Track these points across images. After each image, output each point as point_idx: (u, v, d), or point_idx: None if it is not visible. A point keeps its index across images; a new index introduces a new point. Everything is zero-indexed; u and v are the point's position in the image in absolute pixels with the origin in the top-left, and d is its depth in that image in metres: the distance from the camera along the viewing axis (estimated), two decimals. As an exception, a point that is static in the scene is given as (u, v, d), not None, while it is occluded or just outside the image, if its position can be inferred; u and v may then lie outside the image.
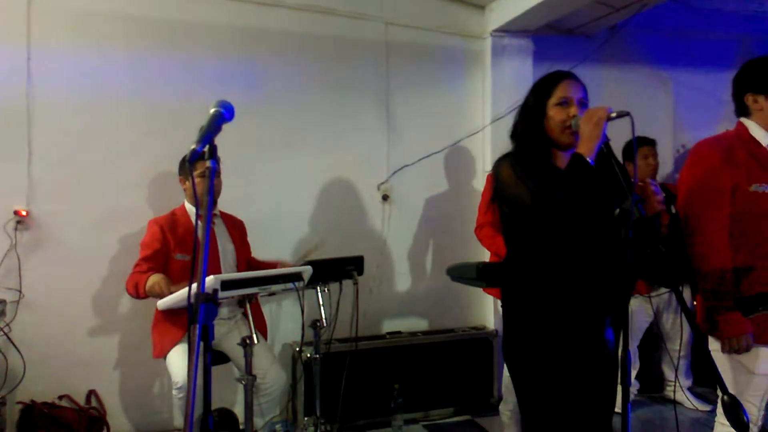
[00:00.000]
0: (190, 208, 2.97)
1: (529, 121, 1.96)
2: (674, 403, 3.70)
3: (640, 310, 3.54)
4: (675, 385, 3.73)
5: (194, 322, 1.31)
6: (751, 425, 2.05)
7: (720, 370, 2.08)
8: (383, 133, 3.83)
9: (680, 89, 4.23)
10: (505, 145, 2.01)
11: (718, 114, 3.91)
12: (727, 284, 1.95)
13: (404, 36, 3.84)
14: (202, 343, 1.35)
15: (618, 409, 1.81)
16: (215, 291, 2.04)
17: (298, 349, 3.31)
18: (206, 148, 1.44)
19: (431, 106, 3.92)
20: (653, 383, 3.87)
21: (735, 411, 1.39)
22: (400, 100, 3.86)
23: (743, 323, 1.94)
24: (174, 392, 2.72)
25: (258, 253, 3.22)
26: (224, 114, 1.48)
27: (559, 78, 1.95)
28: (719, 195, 2.03)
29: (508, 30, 3.83)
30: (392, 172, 3.82)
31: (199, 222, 2.67)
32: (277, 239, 3.56)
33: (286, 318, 3.60)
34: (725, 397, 1.40)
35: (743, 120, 2.13)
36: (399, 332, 3.76)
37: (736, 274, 1.97)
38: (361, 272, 2.86)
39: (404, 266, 3.90)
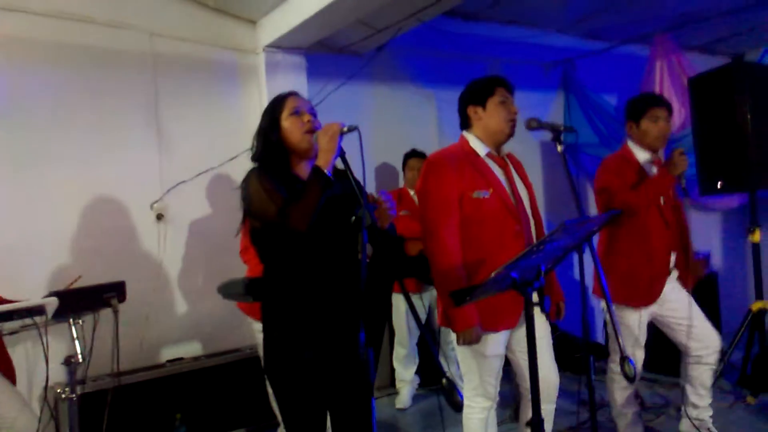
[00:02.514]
0: None
1: (268, 137, 2.03)
2: (439, 391, 4.01)
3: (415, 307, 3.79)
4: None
5: None
6: (491, 402, 2.31)
7: (459, 356, 2.32)
8: (154, 149, 3.63)
9: (443, 105, 4.64)
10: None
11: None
12: (458, 281, 2.16)
13: (173, 48, 3.69)
14: None
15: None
16: None
17: (57, 391, 2.97)
18: None
19: (206, 121, 3.82)
20: (432, 376, 4.17)
21: (450, 393, 1.53)
22: (171, 114, 3.69)
23: (470, 317, 2.16)
24: None
25: (5, 288, 2.82)
26: None
27: (286, 95, 2.08)
28: (449, 203, 2.26)
29: (280, 46, 3.88)
30: (166, 190, 3.64)
31: None
32: (32, 270, 3.18)
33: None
34: (443, 380, 1.55)
35: (464, 133, 2.40)
36: (181, 358, 3.58)
37: (468, 270, 2.21)
38: (122, 299, 2.65)
39: (184, 288, 3.73)
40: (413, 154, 4.07)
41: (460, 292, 1.62)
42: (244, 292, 2.48)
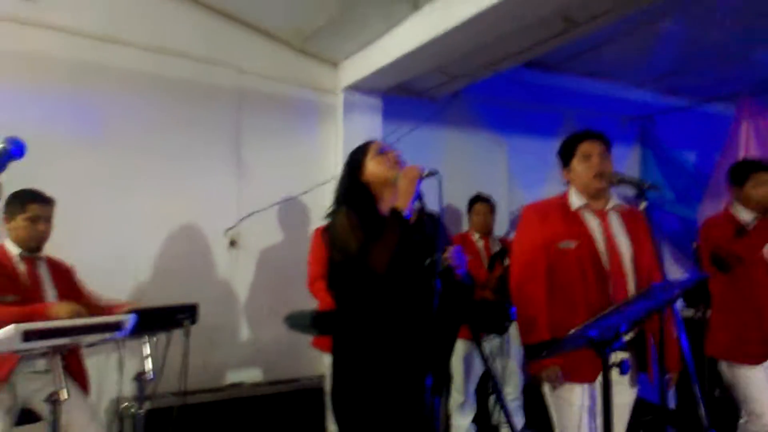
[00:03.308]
0: (12, 249, 2.72)
1: (354, 178, 2.08)
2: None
3: (472, 354, 3.74)
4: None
5: None
6: None
7: (550, 407, 2.28)
8: (233, 179, 3.80)
9: (514, 153, 4.64)
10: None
11: (547, 176, 4.35)
12: (536, 332, 2.15)
13: (258, 84, 3.89)
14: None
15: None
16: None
17: (124, 405, 3.08)
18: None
19: (284, 154, 3.97)
20: (489, 426, 4.06)
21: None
22: (252, 146, 3.87)
23: (549, 361, 2.15)
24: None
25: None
26: (12, 151, 1.40)
27: (367, 142, 2.12)
28: (533, 251, 2.27)
29: (359, 88, 4.02)
30: (241, 218, 3.78)
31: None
32: (114, 287, 3.33)
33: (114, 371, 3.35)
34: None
35: (568, 186, 2.42)
36: (241, 383, 3.65)
37: (551, 320, 2.18)
38: (194, 321, 2.75)
39: (251, 315, 3.83)
40: (478, 199, 4.07)
41: (538, 346, 1.60)
42: (311, 325, 2.52)
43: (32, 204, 2.66)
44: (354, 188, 2.10)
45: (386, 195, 2.04)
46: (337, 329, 2.09)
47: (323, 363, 3.90)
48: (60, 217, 2.76)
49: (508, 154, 4.69)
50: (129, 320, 2.36)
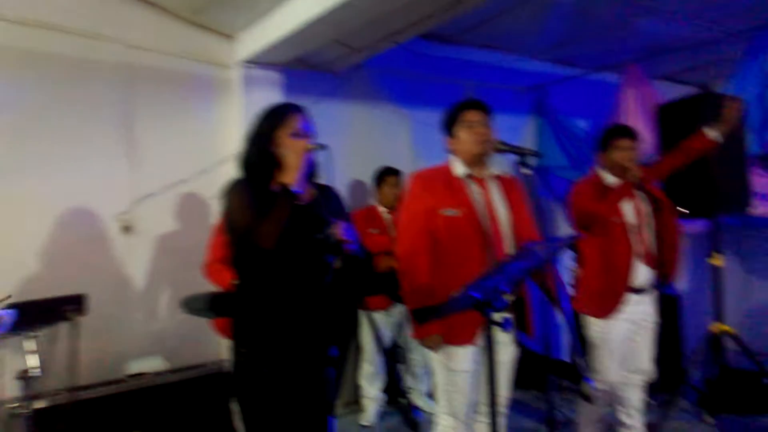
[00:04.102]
0: None
1: (263, 147, 1.99)
2: (405, 408, 4.01)
3: (382, 324, 3.79)
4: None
5: None
6: (457, 421, 2.30)
7: (434, 372, 2.34)
8: (125, 160, 3.59)
9: (417, 125, 4.68)
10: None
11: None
12: (423, 298, 2.18)
13: (148, 59, 3.66)
14: None
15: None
16: None
17: (9, 406, 2.88)
18: None
19: (180, 133, 3.79)
20: (398, 392, 4.15)
21: (407, 412, 1.53)
22: (144, 125, 3.66)
23: (429, 327, 2.19)
24: None
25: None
26: None
27: (290, 110, 2.03)
28: (417, 219, 2.31)
29: (257, 61, 3.88)
30: (134, 202, 3.60)
31: None
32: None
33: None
34: (400, 400, 1.54)
35: (450, 155, 2.47)
36: (142, 373, 3.50)
37: (436, 287, 2.22)
38: (82, 312, 2.60)
39: (149, 302, 3.67)
40: (389, 172, 4.08)
41: (422, 311, 1.63)
42: (207, 308, 2.45)
43: None
44: (259, 159, 2.01)
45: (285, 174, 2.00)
46: (233, 309, 2.04)
47: (225, 346, 3.82)
48: None
49: (411, 126, 4.72)
50: (6, 316, 2.21)
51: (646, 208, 3.03)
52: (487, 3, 3.55)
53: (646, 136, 4.46)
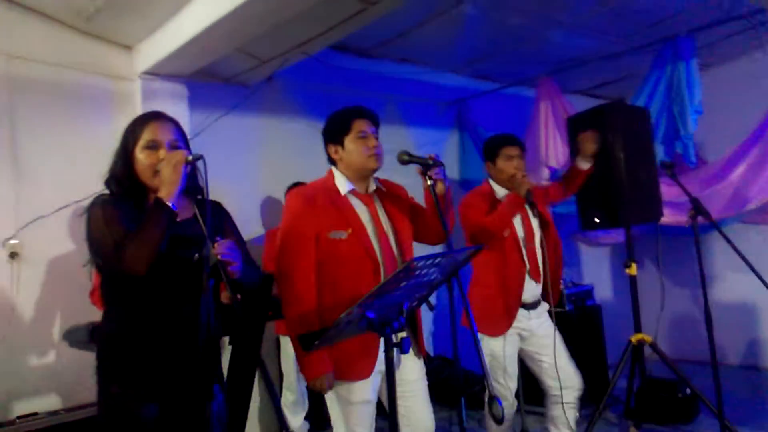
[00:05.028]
0: None
1: (121, 165, 1.84)
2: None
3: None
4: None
5: None
6: None
7: (328, 403, 2.16)
8: (8, 181, 3.29)
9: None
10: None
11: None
12: (309, 326, 2.01)
13: (34, 71, 3.39)
14: None
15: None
16: None
17: None
18: None
19: (73, 150, 3.50)
20: (322, 421, 3.97)
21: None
22: (31, 143, 3.37)
23: (322, 364, 2.02)
24: None
25: None
26: None
27: (146, 120, 1.87)
28: (302, 242, 2.12)
29: (158, 73, 3.66)
30: (22, 226, 3.29)
31: None
32: None
33: None
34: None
35: (332, 168, 2.29)
36: (35, 413, 3.18)
37: (323, 314, 2.06)
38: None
39: (41, 335, 3.35)
40: (297, 186, 3.93)
41: (307, 336, 1.48)
42: (89, 340, 2.22)
43: None
44: (123, 173, 1.84)
45: (156, 184, 1.81)
46: (100, 342, 1.84)
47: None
48: None
49: (328, 141, 4.59)
50: None
51: (533, 221, 2.99)
52: (394, 15, 3.49)
53: (562, 149, 4.52)
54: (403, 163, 2.19)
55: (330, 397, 2.11)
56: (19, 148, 3.33)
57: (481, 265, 2.97)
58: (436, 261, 1.45)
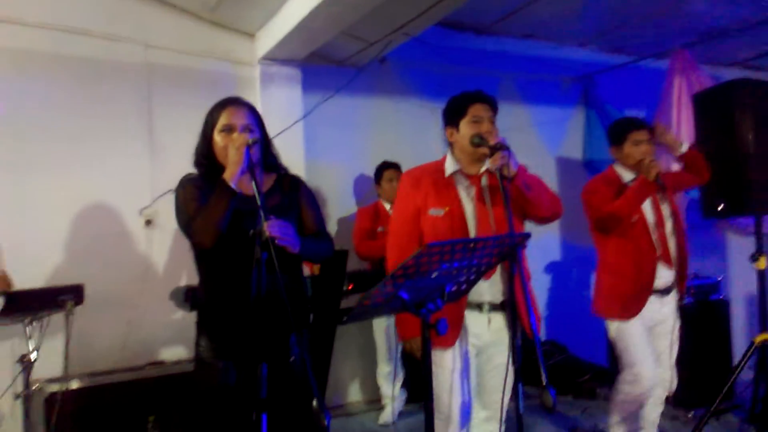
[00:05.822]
0: None
1: (202, 147, 2.03)
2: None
3: (390, 324, 3.72)
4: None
5: None
6: (444, 422, 2.20)
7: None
8: (146, 157, 3.73)
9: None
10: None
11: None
12: None
13: (168, 59, 3.79)
14: None
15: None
16: None
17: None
18: None
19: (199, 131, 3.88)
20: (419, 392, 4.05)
21: (318, 416, 1.47)
22: (165, 124, 3.78)
23: (411, 328, 2.13)
24: None
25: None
26: None
27: (223, 105, 2.04)
28: (404, 219, 2.28)
29: (275, 58, 3.91)
30: (156, 197, 3.73)
31: None
32: (23, 272, 3.28)
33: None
34: (314, 403, 1.49)
35: (447, 151, 2.35)
36: (162, 362, 3.63)
37: None
38: (79, 302, 2.72)
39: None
40: (386, 166, 3.99)
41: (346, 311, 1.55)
42: (184, 299, 2.49)
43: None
44: (203, 154, 2.04)
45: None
46: (195, 303, 2.07)
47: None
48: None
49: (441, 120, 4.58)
50: (-2, 304, 2.34)
51: (664, 207, 2.85)
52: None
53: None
54: (474, 145, 2.19)
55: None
56: (155, 128, 3.76)
57: (609, 251, 2.91)
58: (457, 247, 1.44)
